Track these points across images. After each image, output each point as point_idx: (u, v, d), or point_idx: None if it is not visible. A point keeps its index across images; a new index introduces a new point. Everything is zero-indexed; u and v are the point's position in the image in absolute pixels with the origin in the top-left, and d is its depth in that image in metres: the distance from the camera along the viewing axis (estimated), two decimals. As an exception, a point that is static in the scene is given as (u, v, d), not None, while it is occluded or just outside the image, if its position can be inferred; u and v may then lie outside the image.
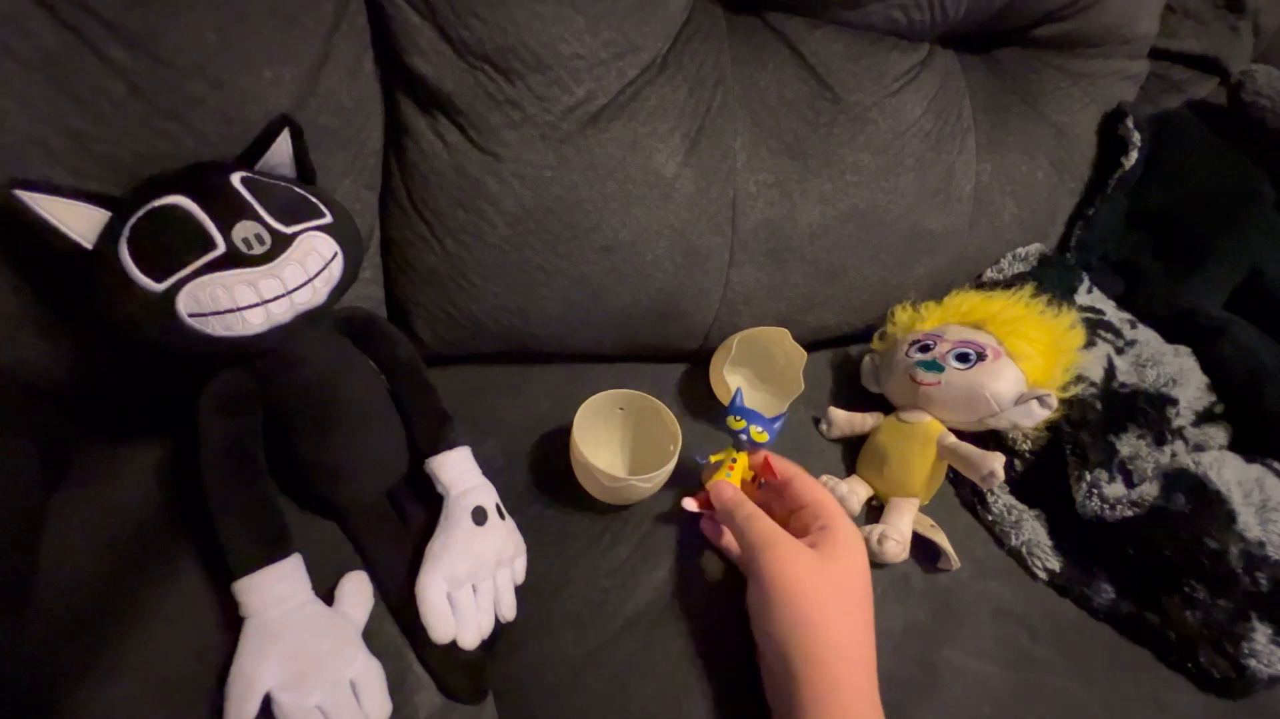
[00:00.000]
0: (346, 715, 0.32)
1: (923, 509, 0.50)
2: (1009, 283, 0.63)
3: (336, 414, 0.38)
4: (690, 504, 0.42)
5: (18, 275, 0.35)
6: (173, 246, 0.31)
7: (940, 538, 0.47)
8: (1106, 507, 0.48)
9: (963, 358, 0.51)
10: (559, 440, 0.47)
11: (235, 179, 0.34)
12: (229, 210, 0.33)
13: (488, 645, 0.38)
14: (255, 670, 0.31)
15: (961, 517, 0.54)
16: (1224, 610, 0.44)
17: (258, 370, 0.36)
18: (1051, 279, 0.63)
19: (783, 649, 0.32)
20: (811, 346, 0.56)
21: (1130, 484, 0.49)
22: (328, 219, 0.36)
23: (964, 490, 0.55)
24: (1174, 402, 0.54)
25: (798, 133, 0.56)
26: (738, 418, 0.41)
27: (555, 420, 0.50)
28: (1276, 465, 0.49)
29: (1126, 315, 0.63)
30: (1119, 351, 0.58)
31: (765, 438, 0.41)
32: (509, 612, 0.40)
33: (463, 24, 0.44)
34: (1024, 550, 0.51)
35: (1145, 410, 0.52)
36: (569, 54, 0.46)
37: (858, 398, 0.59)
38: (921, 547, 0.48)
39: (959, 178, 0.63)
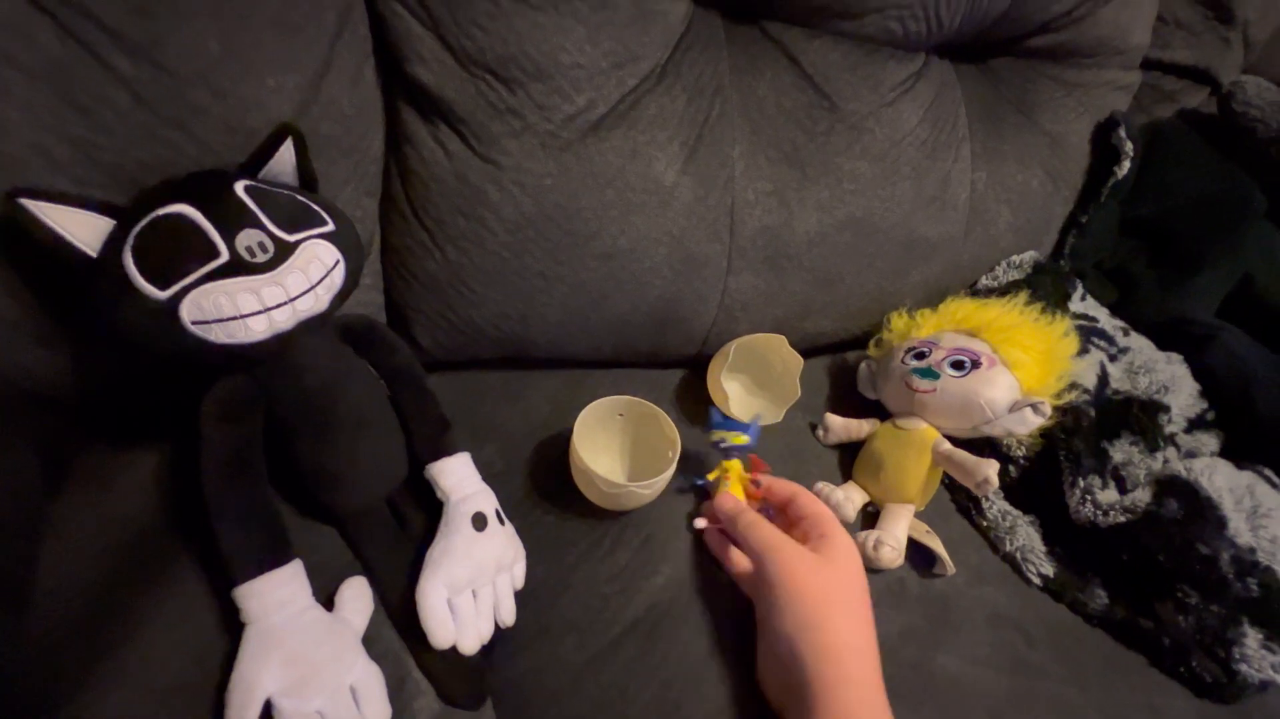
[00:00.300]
0: (347, 721, 0.32)
1: (918, 515, 0.51)
2: (1003, 290, 0.63)
3: (337, 420, 0.39)
4: (701, 523, 0.45)
5: (18, 282, 0.35)
6: (177, 255, 0.32)
7: (936, 543, 0.48)
8: (1100, 512, 0.49)
9: (958, 365, 0.52)
10: (558, 446, 0.47)
11: (239, 187, 0.35)
12: (232, 218, 0.33)
13: (487, 651, 0.38)
14: (256, 676, 0.31)
15: (957, 522, 0.54)
16: (1215, 616, 0.45)
17: (258, 377, 0.36)
18: (1045, 287, 0.63)
19: (793, 646, 0.34)
20: (808, 353, 0.56)
21: (1123, 490, 0.50)
22: (330, 226, 0.37)
23: (959, 496, 0.56)
24: (1166, 408, 0.54)
25: (795, 141, 0.56)
26: (715, 430, 0.46)
27: (554, 426, 0.51)
28: (1267, 472, 0.50)
29: (1119, 323, 0.63)
30: (1112, 359, 0.58)
31: (744, 439, 0.45)
32: (508, 617, 0.40)
33: (464, 33, 0.44)
34: (1018, 556, 0.51)
35: (1138, 417, 0.52)
36: (569, 63, 0.47)
37: (854, 404, 0.59)
38: (917, 552, 0.48)
39: (954, 186, 0.64)
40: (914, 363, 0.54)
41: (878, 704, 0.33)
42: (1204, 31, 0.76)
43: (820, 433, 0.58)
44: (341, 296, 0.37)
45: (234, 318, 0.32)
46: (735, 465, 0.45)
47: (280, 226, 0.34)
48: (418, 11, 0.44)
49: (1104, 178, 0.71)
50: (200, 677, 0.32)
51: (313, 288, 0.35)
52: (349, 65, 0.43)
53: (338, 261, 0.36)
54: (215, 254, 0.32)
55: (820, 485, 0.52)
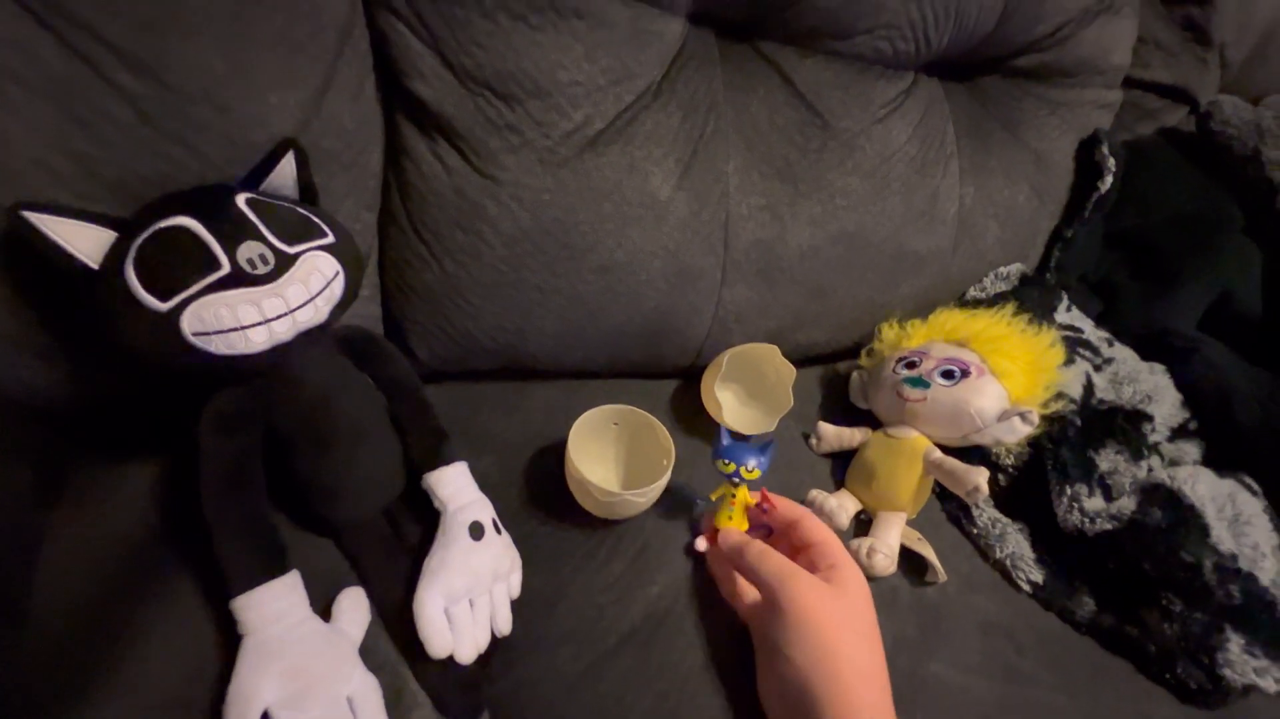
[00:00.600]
0: (344, 733, 0.32)
1: (910, 523, 0.51)
2: (991, 301, 0.65)
3: (335, 432, 0.39)
4: (703, 545, 0.44)
5: (16, 296, 0.35)
6: (178, 267, 0.32)
7: (927, 551, 0.48)
8: (1087, 520, 0.50)
9: (947, 374, 0.53)
10: (554, 456, 0.48)
11: (240, 200, 0.35)
12: (234, 231, 0.33)
13: (483, 661, 0.38)
14: (253, 689, 0.31)
15: (948, 530, 0.55)
16: (1199, 622, 0.45)
17: (257, 389, 0.36)
18: (1032, 298, 0.65)
19: (805, 675, 0.34)
20: (801, 363, 0.57)
21: (1109, 498, 0.51)
22: (330, 239, 0.37)
23: (950, 504, 0.57)
24: (1149, 418, 0.55)
25: (788, 157, 0.58)
26: (726, 461, 0.41)
27: (550, 436, 0.51)
28: (1247, 480, 0.51)
29: (1104, 334, 0.65)
30: (1097, 369, 0.60)
31: (758, 474, 0.41)
32: (505, 627, 0.40)
33: (464, 51, 0.45)
34: (1008, 563, 0.52)
35: (1123, 427, 0.53)
36: (567, 81, 0.48)
37: (846, 413, 0.60)
38: (909, 560, 0.49)
39: (943, 201, 0.65)
40: (905, 372, 0.55)
41: None
42: (1182, 53, 0.79)
43: (813, 442, 0.58)
44: (341, 308, 0.38)
45: (234, 329, 0.32)
46: (743, 492, 0.42)
47: (281, 239, 0.35)
48: (418, 29, 0.44)
49: (1087, 193, 0.73)
50: (197, 689, 0.32)
51: (312, 299, 0.35)
52: (350, 81, 0.44)
53: (337, 273, 0.37)
54: (216, 266, 0.32)
55: (814, 493, 0.52)
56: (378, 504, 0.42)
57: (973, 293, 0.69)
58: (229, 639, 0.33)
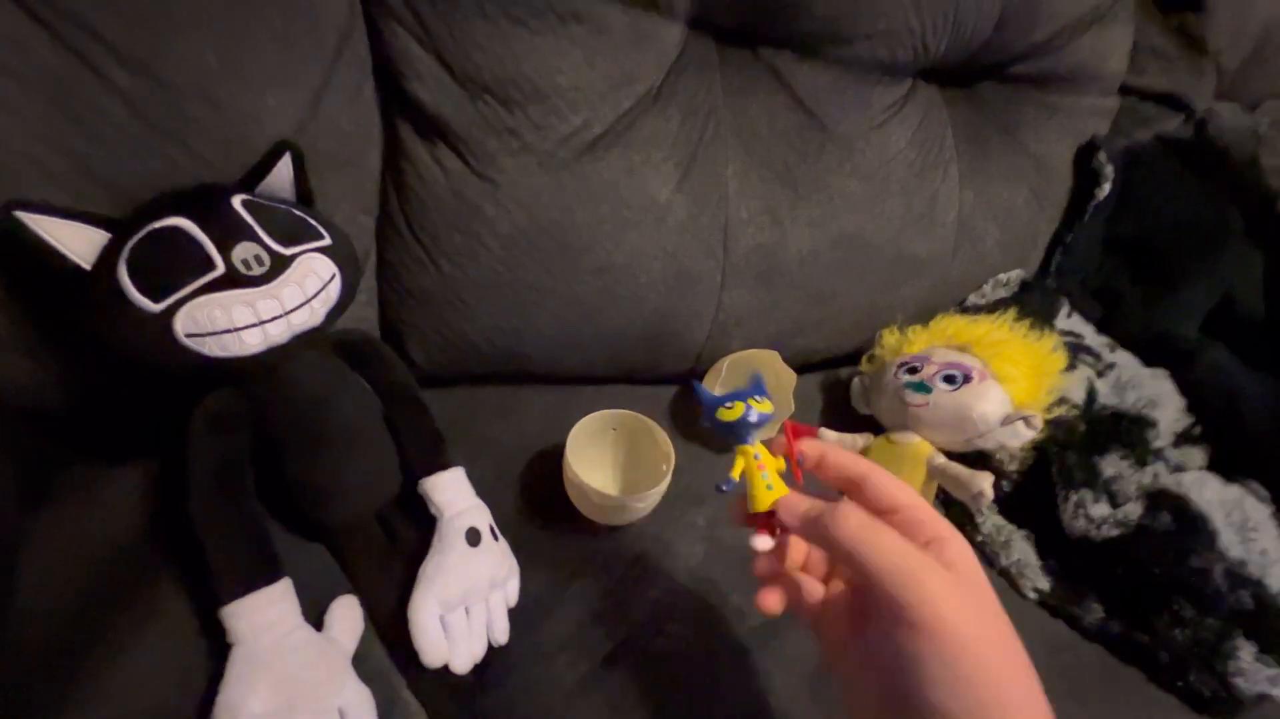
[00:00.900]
0: (335, 745, 0.31)
1: (914, 530, 0.51)
2: (992, 307, 0.65)
3: (327, 435, 0.38)
4: (763, 543, 0.31)
5: (5, 295, 0.34)
6: (172, 267, 0.32)
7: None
8: (1093, 526, 0.49)
9: (950, 379, 0.52)
10: (552, 461, 0.47)
11: (236, 201, 0.35)
12: (229, 232, 0.33)
13: (479, 671, 0.37)
14: (241, 700, 0.30)
15: (952, 537, 0.54)
16: (1211, 629, 0.45)
17: (249, 391, 0.36)
18: (1033, 304, 0.64)
19: None
20: (801, 369, 0.57)
21: (1114, 504, 0.50)
22: (326, 241, 0.37)
23: (954, 511, 0.56)
24: (1153, 423, 0.55)
25: (787, 161, 0.58)
26: (726, 406, 0.31)
27: (548, 441, 0.50)
28: (1254, 485, 0.50)
29: (1105, 339, 0.65)
30: (1099, 374, 0.59)
31: (769, 406, 0.32)
32: (501, 635, 0.39)
33: (463, 54, 0.45)
34: (1014, 570, 0.51)
35: (1127, 432, 0.53)
36: (567, 85, 0.48)
37: (848, 419, 0.60)
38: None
39: (943, 205, 0.65)
40: (907, 377, 0.54)
41: None
42: (1178, 59, 0.79)
43: (814, 448, 0.58)
44: (337, 311, 0.37)
45: (228, 330, 0.32)
46: (765, 453, 0.31)
47: (277, 240, 0.34)
48: (417, 31, 0.44)
49: (1086, 198, 0.73)
50: (184, 699, 0.31)
51: (308, 301, 0.35)
52: (348, 83, 0.44)
53: (334, 275, 0.36)
54: (211, 267, 0.32)
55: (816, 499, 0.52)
56: (369, 507, 0.41)
57: (973, 299, 0.69)
58: (217, 647, 0.32)
